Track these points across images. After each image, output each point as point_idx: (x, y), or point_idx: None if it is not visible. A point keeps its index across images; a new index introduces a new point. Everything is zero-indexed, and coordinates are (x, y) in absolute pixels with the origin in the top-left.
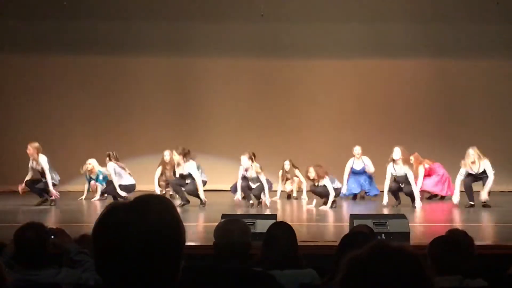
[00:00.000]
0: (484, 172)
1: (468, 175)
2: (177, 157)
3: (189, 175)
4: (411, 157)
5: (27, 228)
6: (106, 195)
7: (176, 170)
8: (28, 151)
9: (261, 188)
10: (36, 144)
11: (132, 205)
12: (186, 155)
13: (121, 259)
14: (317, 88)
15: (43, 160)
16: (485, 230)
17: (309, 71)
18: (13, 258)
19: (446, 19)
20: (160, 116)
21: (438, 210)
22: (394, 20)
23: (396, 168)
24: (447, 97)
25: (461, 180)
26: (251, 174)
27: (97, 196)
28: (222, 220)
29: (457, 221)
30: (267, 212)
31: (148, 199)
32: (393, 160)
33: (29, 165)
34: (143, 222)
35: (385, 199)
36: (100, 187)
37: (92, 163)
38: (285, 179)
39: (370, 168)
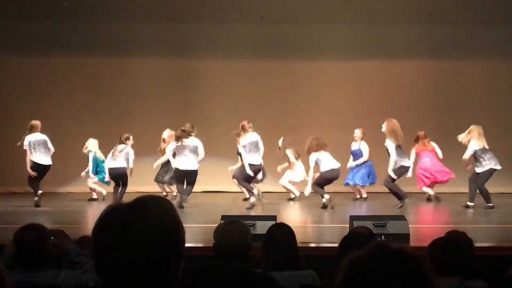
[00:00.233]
0: None
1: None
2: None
3: (194, 149)
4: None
5: (27, 229)
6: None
7: (179, 145)
8: None
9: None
10: None
11: (132, 206)
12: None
13: (121, 260)
14: (317, 89)
15: None
16: (485, 231)
17: (309, 73)
18: (13, 260)
19: (446, 20)
20: (160, 117)
21: (437, 212)
22: (393, 21)
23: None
24: (447, 98)
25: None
26: None
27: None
28: (222, 221)
29: (457, 222)
30: (267, 213)
31: (148, 200)
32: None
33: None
34: (142, 223)
35: None
36: (95, 185)
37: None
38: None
39: (364, 155)
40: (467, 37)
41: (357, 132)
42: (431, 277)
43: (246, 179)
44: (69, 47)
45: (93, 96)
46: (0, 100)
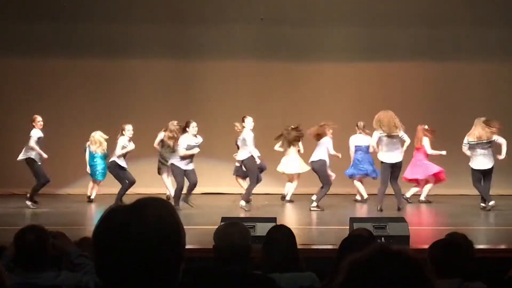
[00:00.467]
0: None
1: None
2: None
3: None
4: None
5: (28, 230)
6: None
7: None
8: None
9: None
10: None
11: (132, 208)
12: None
13: (121, 261)
14: (317, 90)
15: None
16: (485, 233)
17: (309, 74)
18: (13, 261)
19: (446, 22)
20: (160, 118)
21: (437, 214)
22: (394, 23)
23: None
24: (447, 99)
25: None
26: None
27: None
28: (222, 223)
29: (457, 224)
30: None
31: (148, 202)
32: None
33: None
34: (143, 224)
35: None
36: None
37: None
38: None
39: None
40: (467, 38)
41: (361, 125)
42: (431, 279)
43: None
44: (69, 47)
45: (93, 97)
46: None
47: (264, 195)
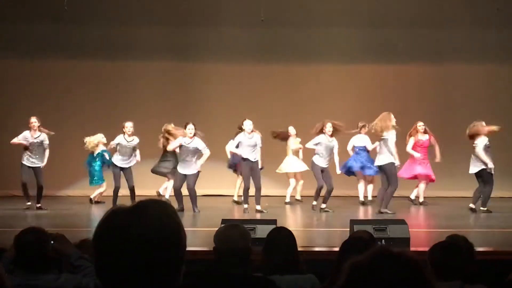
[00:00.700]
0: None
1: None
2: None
3: (196, 151)
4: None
5: (28, 232)
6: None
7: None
8: None
9: None
10: None
11: (133, 210)
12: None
13: (122, 263)
14: (317, 92)
15: None
16: (486, 235)
17: (309, 76)
18: (13, 263)
19: (446, 24)
20: (160, 120)
21: (438, 216)
22: (394, 24)
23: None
24: (448, 102)
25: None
26: None
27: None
28: (222, 225)
29: (457, 226)
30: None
31: (149, 204)
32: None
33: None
34: (143, 226)
35: None
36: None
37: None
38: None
39: (369, 146)
40: (467, 39)
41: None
42: (431, 281)
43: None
44: (69, 49)
45: (93, 98)
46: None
47: (266, 197)
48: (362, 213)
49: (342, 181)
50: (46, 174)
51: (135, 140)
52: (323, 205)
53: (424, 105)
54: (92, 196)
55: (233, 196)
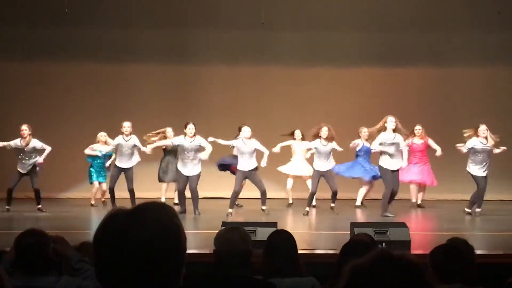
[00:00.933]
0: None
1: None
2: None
3: (198, 149)
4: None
5: (28, 234)
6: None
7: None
8: None
9: None
10: None
11: (133, 212)
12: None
13: (121, 266)
14: (317, 95)
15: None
16: (486, 238)
17: (310, 79)
18: (13, 265)
19: (448, 28)
20: (161, 123)
21: (438, 219)
22: (395, 28)
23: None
24: (448, 104)
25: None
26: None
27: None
28: (223, 227)
29: (458, 229)
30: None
31: (149, 206)
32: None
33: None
34: (143, 229)
35: None
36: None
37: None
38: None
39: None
40: (469, 45)
41: (366, 130)
42: (432, 284)
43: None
44: (70, 51)
45: (93, 101)
46: (0, 105)
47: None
48: (362, 216)
49: (342, 183)
50: (46, 176)
51: (133, 139)
52: (332, 204)
53: (424, 108)
54: (92, 202)
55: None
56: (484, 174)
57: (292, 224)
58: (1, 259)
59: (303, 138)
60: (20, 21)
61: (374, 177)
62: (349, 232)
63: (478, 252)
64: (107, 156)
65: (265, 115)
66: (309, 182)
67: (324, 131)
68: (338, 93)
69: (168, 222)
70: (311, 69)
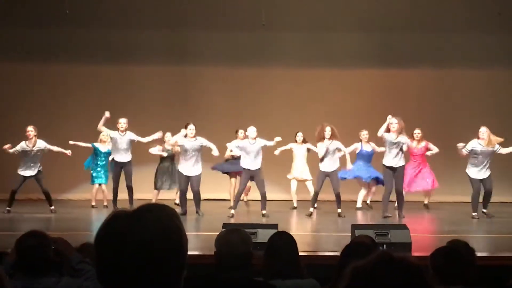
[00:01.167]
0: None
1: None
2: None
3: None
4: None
5: (29, 236)
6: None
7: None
8: None
9: None
10: None
11: (134, 214)
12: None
13: (122, 268)
14: (318, 96)
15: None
16: (487, 240)
17: (310, 80)
18: (14, 266)
19: (448, 29)
20: (162, 125)
21: (439, 221)
22: (395, 29)
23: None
24: (448, 106)
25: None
26: None
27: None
28: (224, 229)
29: (459, 231)
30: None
31: (151, 208)
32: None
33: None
34: (144, 230)
35: None
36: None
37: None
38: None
39: (378, 149)
40: (469, 46)
41: (365, 133)
42: (433, 286)
43: None
44: (70, 53)
45: (93, 102)
46: (0, 106)
47: (268, 201)
48: (363, 218)
49: (342, 185)
50: (47, 177)
51: (128, 134)
52: (339, 210)
53: (424, 109)
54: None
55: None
56: (483, 177)
57: (293, 225)
58: (1, 261)
59: (304, 141)
60: (20, 22)
61: (377, 180)
62: (350, 234)
63: (478, 254)
64: (108, 154)
65: (265, 116)
66: (308, 184)
67: (328, 131)
68: (338, 94)
69: (169, 223)
70: (311, 70)
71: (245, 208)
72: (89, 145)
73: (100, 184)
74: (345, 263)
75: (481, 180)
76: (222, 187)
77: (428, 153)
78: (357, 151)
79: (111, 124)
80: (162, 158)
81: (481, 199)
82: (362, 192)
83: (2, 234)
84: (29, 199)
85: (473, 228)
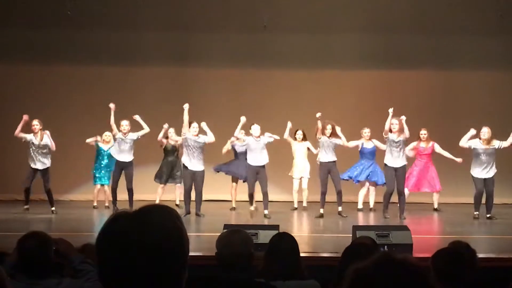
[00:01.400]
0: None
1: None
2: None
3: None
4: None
5: (30, 237)
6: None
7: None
8: None
9: None
10: None
11: (136, 215)
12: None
13: (123, 269)
14: (319, 98)
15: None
16: (488, 242)
17: (312, 82)
18: (16, 267)
19: (450, 31)
20: (163, 124)
21: (440, 222)
22: (398, 31)
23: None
24: (450, 108)
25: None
26: None
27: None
28: (225, 230)
29: (460, 233)
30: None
31: (152, 209)
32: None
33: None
34: (146, 231)
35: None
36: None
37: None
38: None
39: (381, 146)
40: (471, 48)
41: (367, 131)
42: (434, 287)
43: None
44: (73, 54)
45: (95, 104)
46: (3, 107)
47: (270, 202)
48: (364, 219)
49: (344, 187)
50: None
51: (130, 135)
52: (340, 208)
53: (426, 111)
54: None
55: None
56: (486, 176)
57: (294, 226)
58: (3, 261)
59: (304, 139)
60: (23, 23)
61: (376, 183)
62: (351, 235)
63: (480, 255)
64: (111, 154)
65: (267, 117)
66: (304, 182)
67: (329, 129)
68: (340, 95)
69: (171, 224)
70: (313, 71)
71: (247, 210)
72: (97, 138)
73: (102, 185)
74: (346, 265)
75: (484, 180)
76: (223, 188)
77: (441, 152)
78: (359, 149)
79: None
80: (166, 153)
81: (483, 201)
82: (363, 192)
83: (3, 234)
84: (31, 200)
85: (475, 229)
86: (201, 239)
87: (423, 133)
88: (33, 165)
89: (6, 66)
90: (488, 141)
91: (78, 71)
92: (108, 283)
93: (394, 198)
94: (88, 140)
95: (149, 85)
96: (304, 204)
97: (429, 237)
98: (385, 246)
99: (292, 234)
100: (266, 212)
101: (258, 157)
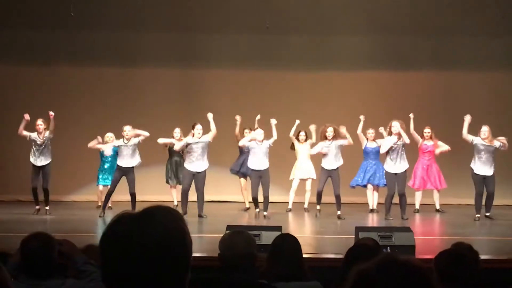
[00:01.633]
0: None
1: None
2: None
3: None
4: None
5: (34, 238)
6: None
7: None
8: None
9: None
10: None
11: (139, 216)
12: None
13: (127, 270)
14: (322, 99)
15: None
16: (491, 243)
17: (314, 83)
18: (19, 268)
19: (451, 32)
20: (166, 127)
21: (443, 223)
22: (399, 32)
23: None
24: (452, 109)
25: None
26: None
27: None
28: (227, 231)
29: (463, 234)
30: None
31: (155, 210)
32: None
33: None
34: (149, 233)
35: None
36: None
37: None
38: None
39: (383, 148)
40: (473, 49)
41: (372, 132)
42: None
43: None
44: (76, 55)
45: (99, 104)
46: (3, 108)
47: (271, 203)
48: (367, 220)
49: (346, 188)
50: (52, 179)
51: (132, 140)
52: (339, 212)
53: (429, 112)
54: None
55: (244, 202)
56: (487, 173)
57: (297, 228)
58: (6, 262)
59: (306, 139)
60: (25, 24)
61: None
62: (353, 236)
63: (483, 257)
64: (113, 155)
65: (269, 118)
66: (308, 183)
67: (330, 132)
68: (344, 96)
69: (174, 225)
70: (316, 73)
71: (249, 211)
72: (99, 139)
73: (105, 186)
74: (348, 266)
75: (484, 179)
76: (226, 189)
77: (437, 150)
78: (362, 147)
79: (119, 130)
80: (171, 153)
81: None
82: (369, 194)
83: (6, 235)
84: (31, 201)
85: (477, 230)
86: (204, 240)
87: (427, 131)
88: (34, 162)
89: (6, 66)
90: (490, 140)
91: (81, 72)
92: (111, 284)
93: (396, 199)
94: (90, 145)
95: (151, 86)
96: (306, 205)
97: (432, 239)
98: (388, 248)
99: (295, 235)
100: (265, 213)
101: (260, 161)
